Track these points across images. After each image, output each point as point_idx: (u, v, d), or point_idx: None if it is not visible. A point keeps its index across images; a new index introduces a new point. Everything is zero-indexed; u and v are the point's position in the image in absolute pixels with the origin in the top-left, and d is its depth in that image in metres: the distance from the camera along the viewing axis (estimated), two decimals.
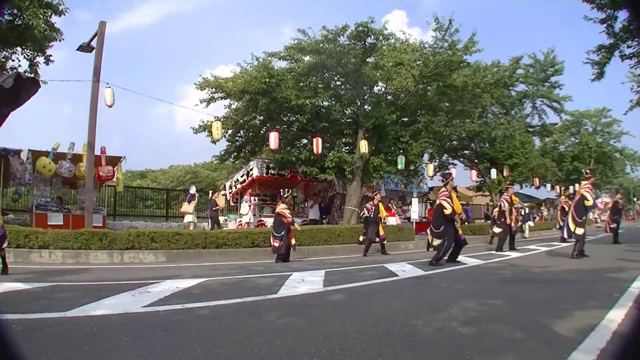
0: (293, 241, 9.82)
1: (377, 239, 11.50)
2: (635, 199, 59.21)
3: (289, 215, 9.81)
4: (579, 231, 9.57)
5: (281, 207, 9.89)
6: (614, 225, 14.39)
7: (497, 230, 12.25)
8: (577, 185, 31.15)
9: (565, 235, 9.82)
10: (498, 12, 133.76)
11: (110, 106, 11.15)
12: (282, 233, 9.57)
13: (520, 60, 25.17)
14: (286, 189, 10.64)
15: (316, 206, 17.96)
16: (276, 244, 9.58)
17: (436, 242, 8.78)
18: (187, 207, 15.59)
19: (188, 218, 15.65)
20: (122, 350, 2.98)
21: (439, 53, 15.11)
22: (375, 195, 12.04)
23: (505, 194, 12.72)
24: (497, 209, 12.64)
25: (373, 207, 11.57)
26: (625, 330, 3.40)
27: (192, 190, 16.23)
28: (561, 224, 15.80)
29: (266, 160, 17.30)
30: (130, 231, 10.30)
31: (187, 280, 6.35)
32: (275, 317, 4.06)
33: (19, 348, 2.36)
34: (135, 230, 10.50)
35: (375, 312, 4.42)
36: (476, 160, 25.33)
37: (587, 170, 10.47)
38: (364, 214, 11.93)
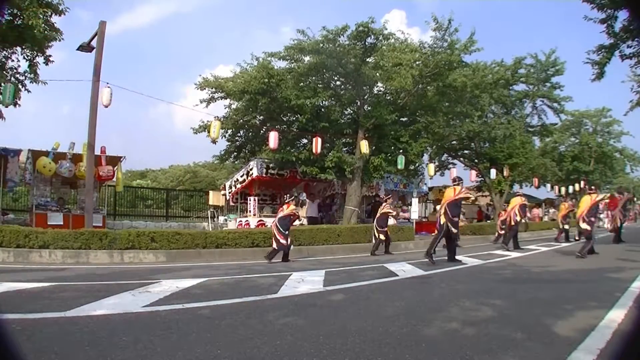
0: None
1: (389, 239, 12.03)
2: (635, 199, 59.21)
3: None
4: (587, 226, 9.90)
5: (292, 208, 10.20)
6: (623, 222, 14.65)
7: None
8: (577, 184, 31.26)
9: (577, 237, 10.18)
10: (497, 13, 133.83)
11: (106, 106, 11.15)
12: (287, 232, 9.80)
13: (524, 60, 25.16)
14: (293, 192, 11.03)
15: (314, 205, 17.98)
16: (284, 242, 9.67)
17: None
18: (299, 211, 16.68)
19: (297, 220, 16.53)
20: (122, 350, 2.98)
21: (439, 53, 15.11)
22: (387, 201, 12.44)
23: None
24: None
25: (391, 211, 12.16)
26: (625, 330, 3.40)
27: (303, 196, 17.32)
28: (561, 227, 15.93)
29: (266, 160, 17.31)
30: (130, 231, 10.30)
31: (187, 280, 6.35)
32: (275, 316, 4.06)
33: (19, 348, 2.36)
34: (135, 230, 10.50)
35: (375, 311, 4.43)
36: (476, 160, 25.31)
37: (592, 187, 11.41)
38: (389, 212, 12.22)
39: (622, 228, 14.25)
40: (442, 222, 9.22)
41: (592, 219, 10.08)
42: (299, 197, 11.36)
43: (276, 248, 9.70)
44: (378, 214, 12.15)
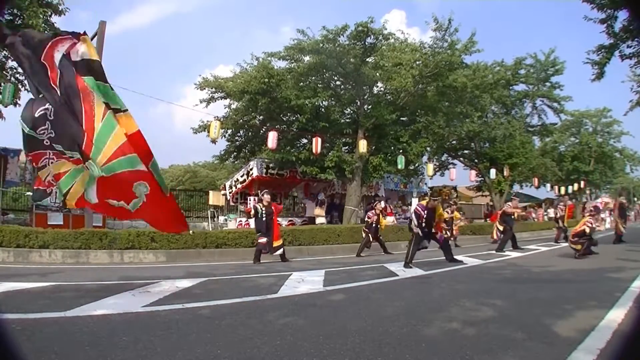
0: (276, 243, 9.62)
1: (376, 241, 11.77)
2: (635, 199, 59.24)
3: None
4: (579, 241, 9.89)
5: (262, 204, 9.79)
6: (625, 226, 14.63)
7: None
8: (576, 184, 31.26)
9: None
10: (497, 13, 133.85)
11: None
12: (261, 232, 9.47)
13: (524, 61, 25.20)
14: (261, 190, 10.69)
15: (314, 204, 17.98)
16: (262, 241, 9.40)
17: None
18: (319, 210, 17.08)
19: (319, 220, 16.71)
20: (122, 350, 2.98)
21: (439, 53, 15.11)
22: (376, 205, 12.10)
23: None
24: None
25: (375, 217, 11.71)
26: (625, 330, 3.40)
27: (321, 196, 17.66)
28: (557, 226, 15.92)
29: (266, 160, 17.31)
30: (130, 231, 10.31)
31: (187, 280, 6.35)
32: (276, 316, 4.06)
33: (19, 348, 2.36)
34: (135, 230, 10.50)
35: (375, 311, 4.42)
36: (476, 160, 25.29)
37: (593, 208, 11.20)
38: (368, 221, 11.90)
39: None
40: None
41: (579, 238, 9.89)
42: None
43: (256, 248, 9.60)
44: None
